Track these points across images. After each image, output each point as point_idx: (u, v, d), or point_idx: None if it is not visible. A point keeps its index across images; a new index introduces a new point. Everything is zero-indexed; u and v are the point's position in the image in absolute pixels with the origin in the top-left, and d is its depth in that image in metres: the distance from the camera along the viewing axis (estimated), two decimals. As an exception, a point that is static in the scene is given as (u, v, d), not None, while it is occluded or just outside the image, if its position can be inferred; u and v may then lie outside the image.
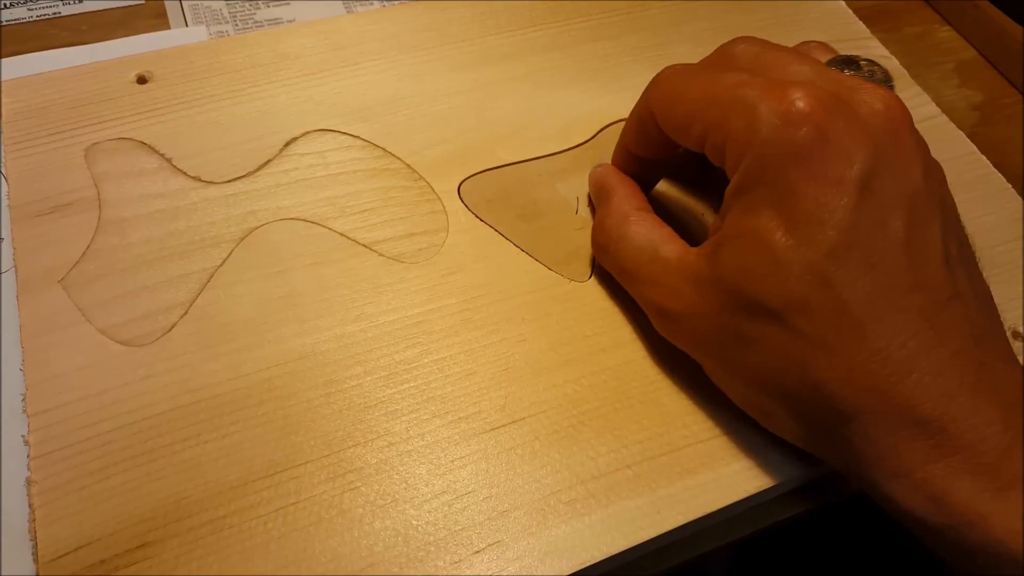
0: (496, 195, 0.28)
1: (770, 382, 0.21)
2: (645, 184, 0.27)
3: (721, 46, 0.24)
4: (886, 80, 0.23)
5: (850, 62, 0.23)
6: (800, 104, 0.19)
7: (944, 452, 0.18)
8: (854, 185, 0.19)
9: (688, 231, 0.27)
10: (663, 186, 0.29)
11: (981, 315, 0.20)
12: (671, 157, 0.26)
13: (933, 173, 0.21)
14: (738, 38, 0.24)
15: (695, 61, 0.25)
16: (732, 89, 0.21)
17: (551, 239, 0.27)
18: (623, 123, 0.30)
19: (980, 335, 0.20)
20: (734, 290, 0.20)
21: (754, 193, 0.20)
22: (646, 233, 0.24)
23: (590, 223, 0.28)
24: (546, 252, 0.27)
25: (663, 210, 0.27)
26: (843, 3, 0.36)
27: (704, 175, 0.28)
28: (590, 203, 0.28)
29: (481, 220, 0.27)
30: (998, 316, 0.21)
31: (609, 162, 0.28)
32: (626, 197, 0.25)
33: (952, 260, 0.20)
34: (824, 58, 0.24)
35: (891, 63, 0.34)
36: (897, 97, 0.21)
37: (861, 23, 0.36)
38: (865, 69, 0.23)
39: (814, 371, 0.19)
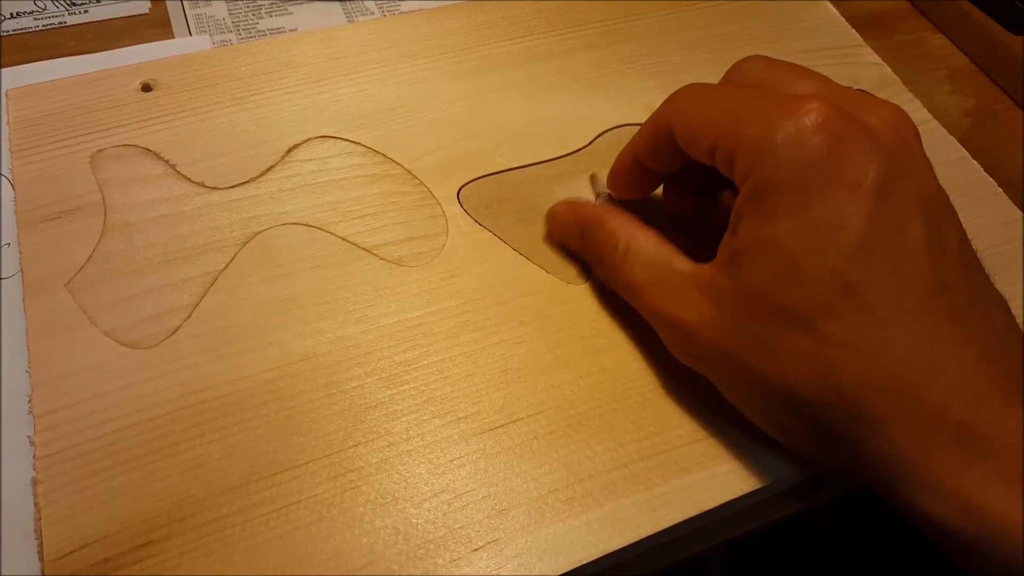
0: (495, 200, 0.29)
1: (793, 392, 0.20)
2: (643, 192, 0.27)
3: (733, 66, 0.24)
4: None
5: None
6: (814, 115, 0.20)
7: (976, 457, 0.18)
8: (871, 191, 0.19)
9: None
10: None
11: (1001, 319, 0.20)
12: (672, 172, 0.26)
13: (939, 184, 0.21)
14: (748, 57, 0.24)
15: (689, 69, 0.25)
16: (746, 100, 0.21)
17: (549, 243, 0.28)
18: (619, 129, 0.31)
19: (1003, 337, 0.20)
20: (757, 299, 0.20)
21: (770, 201, 0.20)
22: (655, 247, 0.23)
23: None
24: (544, 256, 0.27)
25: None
26: (836, 11, 0.37)
27: (688, 196, 0.28)
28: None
29: (480, 224, 0.28)
30: (1014, 320, 0.21)
31: (592, 176, 0.29)
32: (624, 217, 0.25)
33: (969, 265, 0.20)
34: None
35: (883, 70, 0.35)
36: (903, 110, 0.21)
37: (854, 31, 0.36)
38: None
39: (840, 376, 0.19)
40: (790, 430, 0.22)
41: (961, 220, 0.21)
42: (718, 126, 0.22)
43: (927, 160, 0.21)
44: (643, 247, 0.24)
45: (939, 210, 0.20)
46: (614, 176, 0.27)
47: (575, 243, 0.27)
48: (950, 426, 0.18)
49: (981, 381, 0.19)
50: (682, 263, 0.23)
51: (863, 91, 0.22)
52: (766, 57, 0.24)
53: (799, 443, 0.22)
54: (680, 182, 0.27)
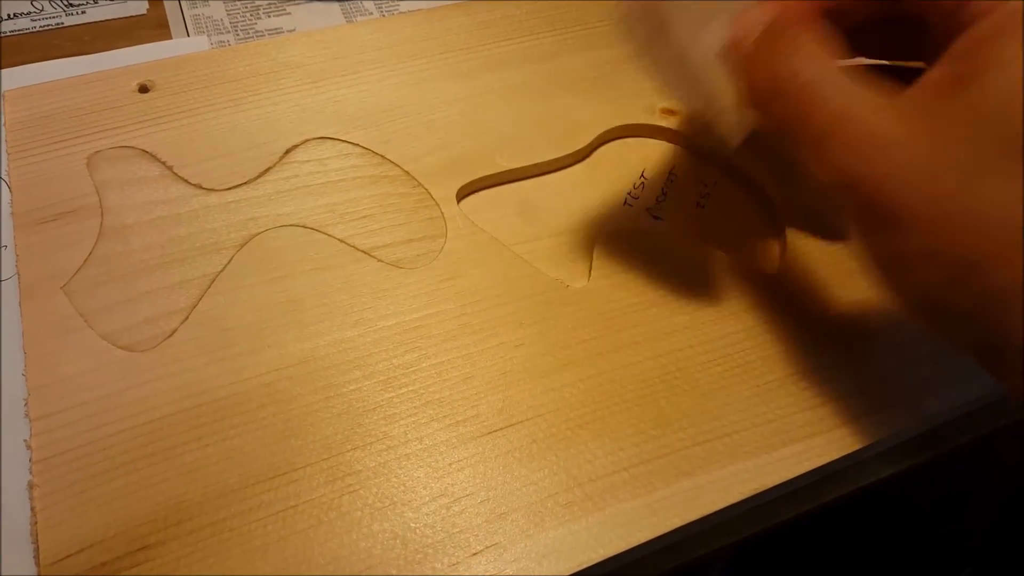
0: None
1: (997, 224, 0.18)
2: None
3: None
4: None
5: None
6: None
7: None
8: None
9: None
10: None
11: None
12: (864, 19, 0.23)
13: None
14: None
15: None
16: None
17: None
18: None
19: None
20: (985, 121, 0.18)
21: None
22: (850, 74, 0.20)
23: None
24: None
25: None
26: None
27: None
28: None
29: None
30: None
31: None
32: (824, 33, 0.21)
33: None
34: None
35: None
36: None
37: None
38: None
39: None
40: (936, 283, 0.19)
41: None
42: None
43: None
44: (835, 69, 0.21)
45: None
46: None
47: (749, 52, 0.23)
48: None
49: None
50: (886, 86, 0.20)
51: None
52: None
53: (936, 297, 0.19)
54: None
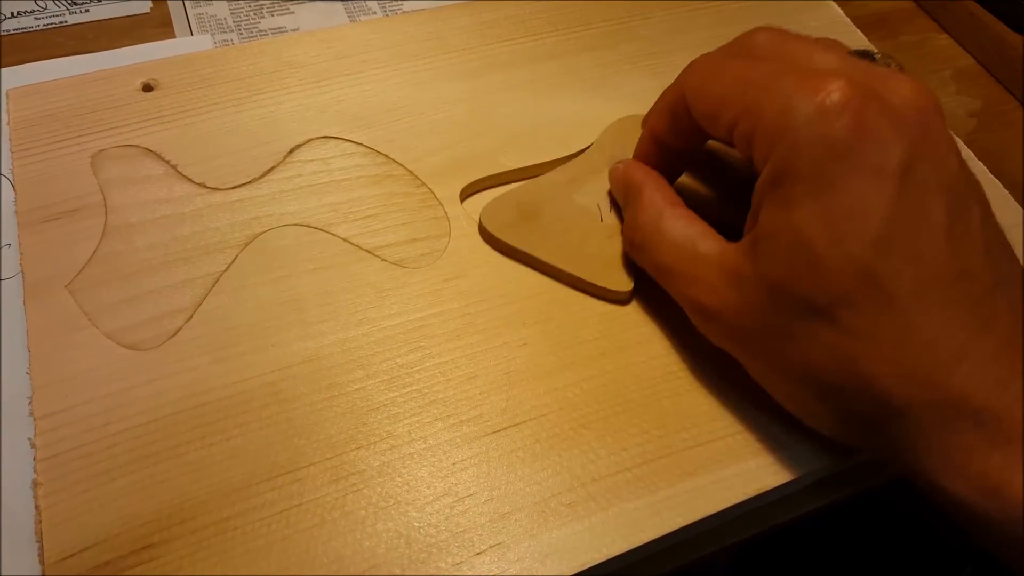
0: (515, 218, 0.27)
1: (817, 379, 0.20)
2: (668, 177, 0.26)
3: (741, 35, 0.24)
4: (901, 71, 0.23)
5: (866, 55, 0.23)
6: (836, 95, 0.19)
7: (999, 442, 0.18)
8: (894, 175, 0.19)
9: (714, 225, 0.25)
10: (684, 179, 0.28)
11: None
12: (695, 149, 0.25)
13: (964, 161, 0.21)
14: (758, 28, 0.24)
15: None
16: (766, 77, 0.21)
17: (585, 251, 0.26)
18: (622, 121, 0.30)
19: None
20: (776, 288, 0.20)
21: (789, 188, 0.20)
22: (683, 229, 0.23)
23: (618, 228, 0.27)
24: (584, 264, 0.26)
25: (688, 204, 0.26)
26: (841, 11, 0.37)
27: (724, 170, 0.27)
28: (614, 204, 0.27)
29: (495, 247, 0.27)
30: None
31: (627, 158, 0.27)
32: (657, 191, 0.24)
33: (992, 247, 0.20)
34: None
35: (888, 71, 0.35)
36: (926, 85, 0.21)
37: (859, 31, 0.36)
38: (881, 61, 0.23)
39: (863, 366, 0.19)
40: (816, 413, 0.22)
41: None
42: (736, 103, 0.21)
43: (950, 137, 0.21)
44: (671, 227, 0.23)
45: (962, 190, 0.20)
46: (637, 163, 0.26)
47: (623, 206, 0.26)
48: (973, 411, 0.18)
49: (1003, 367, 0.19)
50: (708, 245, 0.22)
51: (882, 63, 0.22)
52: (778, 29, 0.23)
53: (824, 425, 0.22)
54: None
